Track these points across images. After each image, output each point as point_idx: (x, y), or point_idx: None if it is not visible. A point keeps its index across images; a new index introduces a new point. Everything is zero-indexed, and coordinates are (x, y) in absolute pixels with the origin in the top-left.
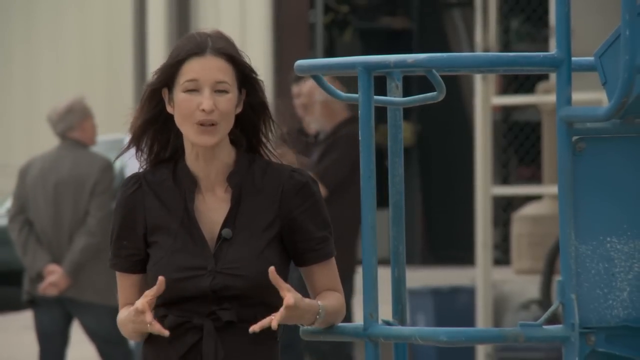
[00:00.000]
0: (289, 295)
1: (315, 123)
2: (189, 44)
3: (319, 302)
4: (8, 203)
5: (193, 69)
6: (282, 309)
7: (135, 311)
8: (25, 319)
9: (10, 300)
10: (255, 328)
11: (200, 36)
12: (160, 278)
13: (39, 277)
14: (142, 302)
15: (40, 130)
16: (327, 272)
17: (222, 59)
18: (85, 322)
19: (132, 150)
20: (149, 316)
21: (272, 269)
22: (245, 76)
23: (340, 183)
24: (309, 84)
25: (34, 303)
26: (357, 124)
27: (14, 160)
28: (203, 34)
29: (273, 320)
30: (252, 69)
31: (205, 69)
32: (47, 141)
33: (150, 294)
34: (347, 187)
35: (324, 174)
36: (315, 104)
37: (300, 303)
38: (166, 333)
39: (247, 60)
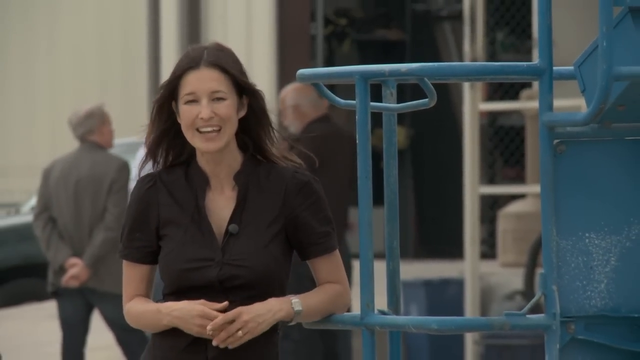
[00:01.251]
0: (237, 310)
1: (290, 126)
2: (185, 60)
3: (292, 299)
4: (33, 201)
5: (190, 82)
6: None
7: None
8: (49, 308)
9: (36, 290)
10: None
11: (195, 51)
12: (225, 303)
13: (62, 269)
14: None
15: (64, 133)
16: (330, 264)
17: (215, 70)
18: (104, 311)
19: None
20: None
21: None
22: (242, 84)
23: None
24: (282, 93)
25: (58, 294)
26: (324, 123)
27: (38, 162)
28: (199, 48)
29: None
30: (246, 80)
31: (201, 80)
32: (70, 143)
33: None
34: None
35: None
36: (288, 108)
37: (249, 309)
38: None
39: (240, 70)
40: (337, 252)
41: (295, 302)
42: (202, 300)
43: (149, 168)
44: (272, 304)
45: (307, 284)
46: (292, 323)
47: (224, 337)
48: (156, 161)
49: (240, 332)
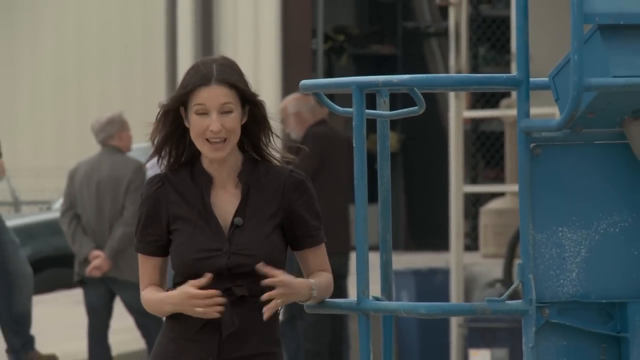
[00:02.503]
0: (281, 275)
1: (292, 131)
2: (196, 76)
3: (312, 280)
4: (60, 200)
5: (201, 96)
6: (277, 285)
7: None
8: (77, 294)
9: (64, 279)
10: (266, 315)
11: (205, 67)
12: (209, 275)
13: (86, 261)
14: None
15: (89, 137)
16: (319, 255)
17: (225, 86)
18: (124, 298)
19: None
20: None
21: (260, 264)
22: (247, 96)
23: (310, 174)
24: (283, 102)
25: (83, 282)
26: (322, 126)
27: (66, 164)
28: (208, 63)
29: (271, 305)
30: (251, 93)
31: (212, 96)
32: (95, 147)
33: (199, 283)
34: (316, 177)
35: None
36: (289, 116)
37: (292, 281)
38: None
39: (244, 83)
40: (324, 245)
41: (315, 286)
42: (189, 282)
43: (154, 167)
44: (300, 284)
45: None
46: (308, 303)
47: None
48: (160, 158)
49: (278, 300)
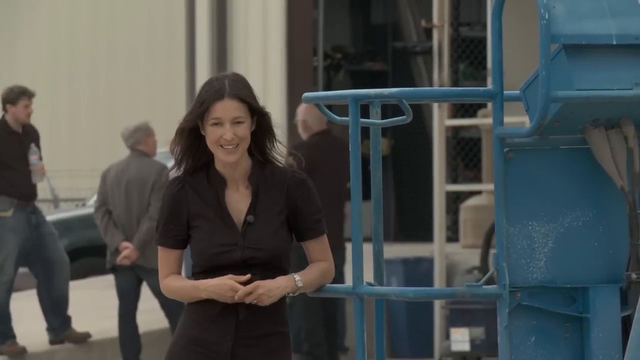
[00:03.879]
0: (254, 284)
1: (302, 135)
2: (211, 91)
3: (295, 275)
4: (94, 197)
5: (216, 110)
6: (252, 292)
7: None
8: (109, 280)
9: (97, 267)
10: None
11: (219, 83)
12: (248, 275)
13: (116, 251)
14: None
15: (120, 142)
16: (320, 245)
17: (237, 100)
18: (150, 283)
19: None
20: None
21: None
22: (255, 108)
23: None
24: (297, 110)
25: (114, 270)
26: (321, 135)
27: (100, 165)
28: (221, 80)
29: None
30: (259, 106)
31: (225, 109)
32: (125, 151)
33: (241, 279)
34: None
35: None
36: (298, 122)
37: (265, 283)
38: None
39: (252, 96)
40: (325, 236)
41: (298, 279)
42: (230, 275)
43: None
44: (280, 281)
45: (307, 263)
46: (296, 294)
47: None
48: (180, 168)
49: (255, 301)
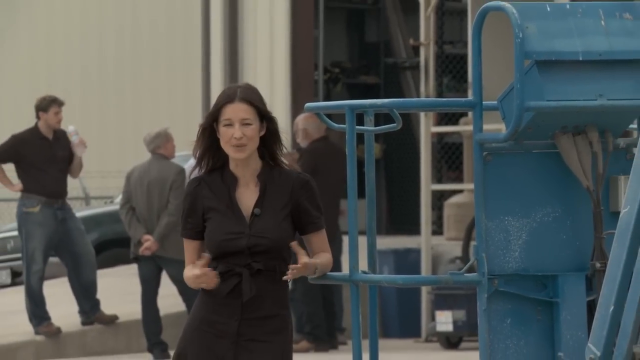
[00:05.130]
0: (304, 259)
1: (300, 142)
2: (224, 95)
3: (317, 261)
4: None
5: (227, 112)
6: (299, 266)
7: (196, 277)
8: (133, 268)
9: (122, 257)
10: (288, 278)
11: (230, 90)
12: (205, 256)
13: (139, 243)
14: (200, 269)
15: (143, 147)
16: (320, 238)
17: (245, 103)
18: (168, 271)
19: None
20: (212, 282)
21: (293, 243)
22: (263, 113)
23: None
24: (296, 120)
25: (137, 259)
26: (321, 141)
27: (125, 167)
28: (234, 87)
29: (290, 273)
30: (267, 110)
31: (235, 111)
32: (147, 154)
33: (202, 263)
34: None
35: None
36: (299, 130)
37: (309, 262)
38: (214, 283)
39: (262, 102)
40: (324, 231)
41: (318, 266)
42: (195, 263)
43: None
44: (312, 266)
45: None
46: (312, 277)
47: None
48: (201, 168)
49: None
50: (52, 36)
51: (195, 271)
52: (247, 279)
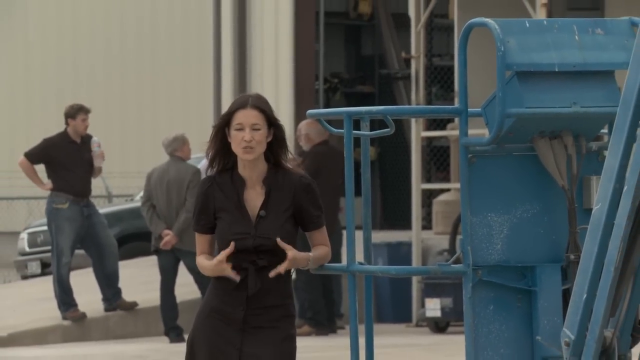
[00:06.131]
0: (290, 253)
1: (303, 146)
2: (237, 102)
3: (310, 254)
4: (141, 193)
5: (239, 117)
6: (286, 261)
7: (217, 262)
8: (152, 260)
9: (143, 249)
10: (272, 274)
11: (244, 97)
12: (232, 244)
13: (159, 237)
14: (222, 257)
15: (161, 150)
16: (320, 234)
17: (256, 110)
18: (186, 262)
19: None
20: (228, 270)
21: (278, 239)
22: (271, 120)
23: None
24: (299, 126)
25: (158, 252)
26: (323, 145)
27: (145, 168)
28: (247, 95)
29: (281, 267)
30: (274, 117)
31: (246, 116)
32: (165, 157)
33: (224, 254)
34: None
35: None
36: (302, 135)
37: (296, 255)
38: (237, 279)
39: (270, 110)
40: (324, 227)
41: (310, 257)
42: (221, 253)
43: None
44: (302, 256)
45: (309, 248)
46: (306, 268)
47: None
48: (212, 168)
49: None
50: (78, 49)
51: (212, 261)
52: (252, 274)
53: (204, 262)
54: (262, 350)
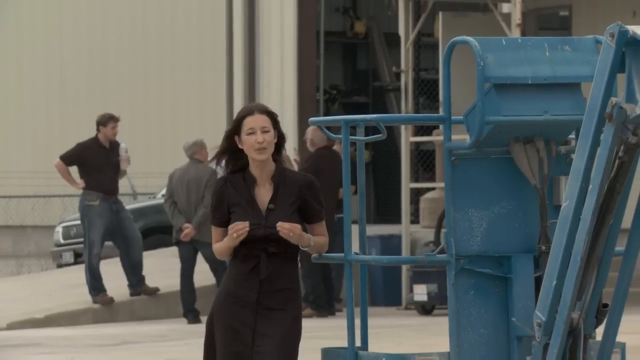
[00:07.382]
0: (298, 227)
1: (310, 149)
2: (245, 110)
3: (313, 237)
4: (163, 191)
5: (249, 122)
6: (293, 226)
7: (232, 230)
8: (173, 250)
9: (164, 241)
10: (281, 227)
11: (249, 106)
12: (245, 222)
13: (180, 230)
14: (238, 227)
15: (182, 152)
16: (321, 227)
17: (263, 114)
18: (203, 252)
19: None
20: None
21: (279, 223)
22: (277, 125)
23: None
24: (306, 131)
25: (178, 243)
26: (325, 149)
27: (166, 168)
28: (253, 104)
29: (290, 225)
30: (278, 121)
31: (256, 121)
32: (185, 159)
33: (240, 223)
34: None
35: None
36: (307, 140)
37: (303, 232)
38: (246, 224)
39: (276, 116)
40: (324, 221)
41: (312, 239)
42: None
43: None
44: (307, 235)
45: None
46: (306, 249)
47: (284, 231)
48: (218, 164)
49: (289, 232)
50: (106, 60)
51: (226, 238)
52: (264, 261)
53: (219, 245)
54: (273, 330)
